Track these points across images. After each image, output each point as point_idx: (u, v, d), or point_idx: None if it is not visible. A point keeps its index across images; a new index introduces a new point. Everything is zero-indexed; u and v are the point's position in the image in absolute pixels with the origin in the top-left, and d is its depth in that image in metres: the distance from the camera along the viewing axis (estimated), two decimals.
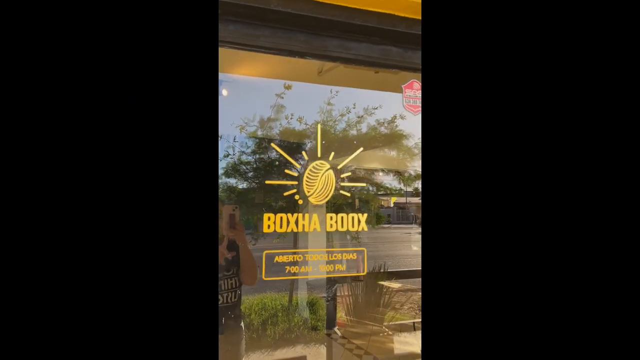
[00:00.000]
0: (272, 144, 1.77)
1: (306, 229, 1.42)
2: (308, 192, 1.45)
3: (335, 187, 1.48)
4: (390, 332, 2.08)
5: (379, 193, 2.60)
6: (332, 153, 1.50)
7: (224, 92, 1.82)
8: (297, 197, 1.46)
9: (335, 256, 1.47)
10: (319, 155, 1.48)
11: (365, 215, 1.48)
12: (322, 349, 2.33)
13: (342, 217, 1.47)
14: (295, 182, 1.46)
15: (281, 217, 1.40)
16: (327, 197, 1.46)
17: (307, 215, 1.43)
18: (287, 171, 1.47)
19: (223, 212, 1.27)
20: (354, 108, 2.05)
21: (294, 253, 1.44)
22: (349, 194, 1.50)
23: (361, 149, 1.52)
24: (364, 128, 2.13)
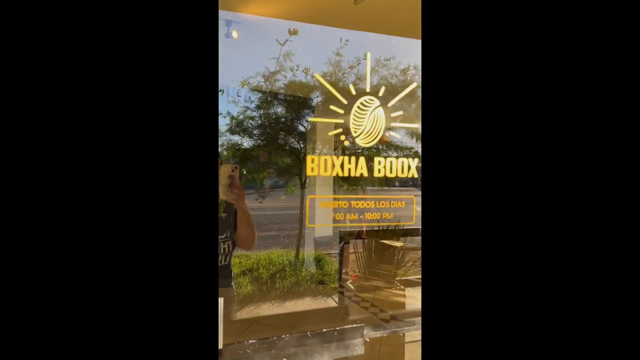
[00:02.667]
0: (316, 75, 1.54)
1: (352, 173, 1.26)
2: (355, 132, 1.28)
3: (385, 127, 1.31)
4: (399, 286, 2.15)
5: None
6: (383, 88, 1.30)
7: (234, 34, 1.71)
8: (342, 137, 1.28)
9: (383, 204, 1.33)
10: (367, 89, 1.29)
11: (417, 160, 1.33)
12: (329, 301, 2.40)
13: (390, 162, 1.31)
14: (342, 121, 1.27)
15: (325, 160, 1.23)
16: (376, 138, 1.29)
17: (353, 158, 1.27)
18: (332, 107, 1.27)
19: (221, 172, 1.04)
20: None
21: (336, 199, 1.29)
22: (399, 136, 1.34)
23: (415, 84, 1.33)
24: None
